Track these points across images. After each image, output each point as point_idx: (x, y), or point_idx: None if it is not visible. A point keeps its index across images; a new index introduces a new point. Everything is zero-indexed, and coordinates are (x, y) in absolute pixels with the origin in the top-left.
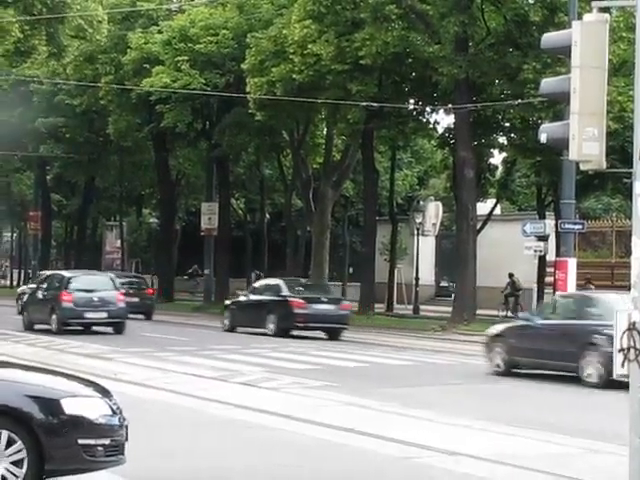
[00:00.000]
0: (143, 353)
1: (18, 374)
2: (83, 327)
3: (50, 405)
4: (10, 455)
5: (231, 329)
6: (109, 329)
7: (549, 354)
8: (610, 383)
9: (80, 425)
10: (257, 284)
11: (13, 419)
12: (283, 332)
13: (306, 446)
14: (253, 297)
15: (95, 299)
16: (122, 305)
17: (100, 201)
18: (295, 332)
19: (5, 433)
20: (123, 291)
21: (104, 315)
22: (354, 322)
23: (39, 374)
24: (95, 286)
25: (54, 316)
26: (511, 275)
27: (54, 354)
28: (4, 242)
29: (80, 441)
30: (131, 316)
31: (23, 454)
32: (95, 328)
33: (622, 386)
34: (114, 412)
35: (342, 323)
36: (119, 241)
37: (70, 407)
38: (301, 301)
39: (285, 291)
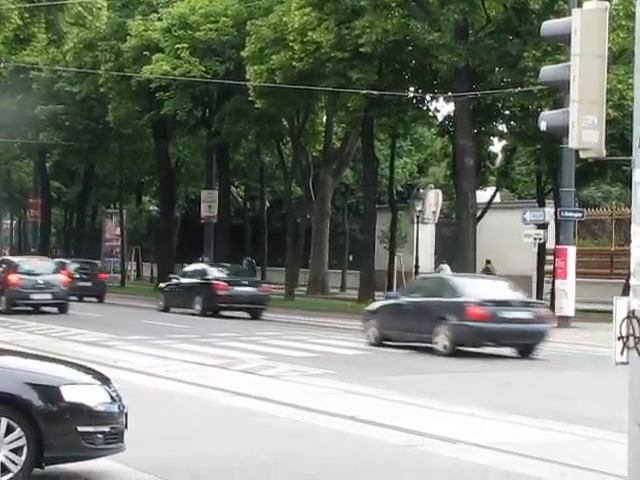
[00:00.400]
0: (143, 341)
1: (17, 361)
2: (31, 307)
3: (49, 392)
4: (9, 442)
5: (165, 309)
6: (54, 309)
7: (410, 328)
8: (456, 352)
9: (79, 412)
10: (187, 268)
11: (12, 406)
12: (209, 312)
13: (308, 434)
14: (184, 280)
15: (40, 282)
16: (64, 287)
17: (100, 189)
18: (226, 312)
19: (4, 420)
20: (68, 274)
21: (49, 296)
22: (354, 310)
23: (38, 361)
24: (41, 270)
25: (3, 297)
26: (488, 262)
27: (53, 341)
28: (4, 230)
29: (79, 428)
30: (85, 299)
31: (22, 441)
32: (44, 309)
33: (466, 355)
34: (113, 399)
35: (261, 304)
36: (119, 229)
37: (69, 394)
38: (223, 283)
39: (210, 275)
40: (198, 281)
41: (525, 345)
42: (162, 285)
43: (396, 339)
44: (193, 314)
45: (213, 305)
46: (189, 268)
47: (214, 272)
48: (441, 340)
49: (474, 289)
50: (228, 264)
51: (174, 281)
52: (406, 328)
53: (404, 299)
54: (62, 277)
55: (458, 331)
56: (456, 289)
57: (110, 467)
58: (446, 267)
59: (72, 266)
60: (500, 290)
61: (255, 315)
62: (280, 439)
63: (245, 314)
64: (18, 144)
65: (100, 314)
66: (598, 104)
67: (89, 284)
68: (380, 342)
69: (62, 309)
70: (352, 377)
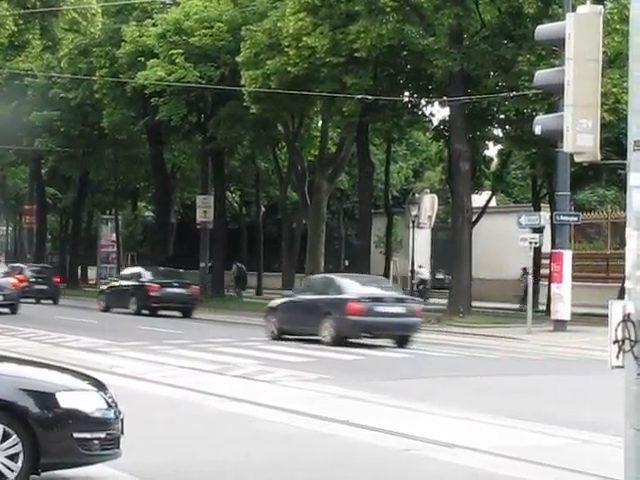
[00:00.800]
0: (139, 346)
1: (13, 368)
2: None
3: (45, 399)
4: (6, 449)
5: (106, 309)
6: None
7: (302, 322)
8: (339, 342)
9: (76, 419)
10: (125, 271)
11: (8, 413)
12: (143, 311)
13: (302, 438)
14: (122, 282)
15: None
16: (15, 290)
17: (95, 194)
18: (162, 312)
19: (0, 427)
20: (20, 278)
21: (0, 298)
22: None
23: (34, 368)
24: None
25: None
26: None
27: (49, 348)
28: None
29: (76, 435)
30: (42, 301)
31: (19, 448)
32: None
33: (348, 344)
34: (110, 405)
35: (190, 303)
36: (114, 235)
37: (65, 401)
38: (156, 285)
39: (144, 277)
40: (134, 283)
41: (399, 336)
42: (103, 287)
43: (292, 333)
44: (129, 313)
45: (146, 305)
46: (126, 271)
47: (148, 275)
48: (326, 332)
49: (355, 287)
50: (162, 267)
51: (114, 283)
52: (299, 322)
53: (298, 297)
54: (12, 280)
55: (340, 324)
56: (340, 287)
57: (106, 473)
58: (423, 271)
59: (28, 270)
60: (378, 288)
61: (186, 314)
62: (275, 443)
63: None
64: (13, 150)
65: (95, 320)
66: (593, 108)
67: (45, 287)
68: (279, 336)
69: (13, 310)
70: (347, 382)
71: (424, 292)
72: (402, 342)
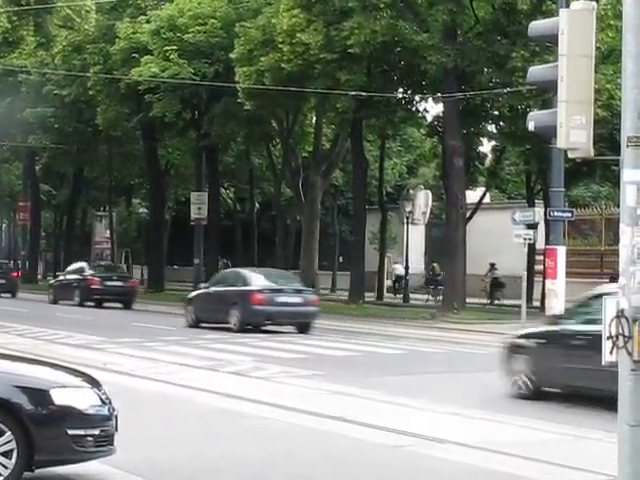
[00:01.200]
0: (133, 343)
1: (6, 365)
2: None
3: (39, 396)
4: None
5: (54, 302)
6: None
7: (215, 311)
8: (244, 328)
9: (70, 416)
10: (70, 267)
11: (2, 410)
12: (86, 302)
13: (297, 435)
14: (68, 277)
15: None
16: None
17: (89, 191)
18: (107, 304)
19: None
20: None
21: None
22: (344, 311)
23: (28, 364)
24: None
25: None
26: (433, 261)
27: (43, 344)
28: None
29: (70, 432)
30: (2, 294)
31: (12, 445)
32: None
33: (254, 331)
34: (104, 402)
35: (129, 295)
36: (108, 231)
37: (59, 398)
38: (97, 279)
39: (86, 272)
40: (77, 277)
41: (299, 323)
42: (52, 281)
43: (207, 321)
44: (74, 305)
45: (89, 297)
46: (71, 267)
47: (90, 270)
48: (234, 320)
49: (259, 279)
50: (103, 262)
51: (61, 278)
52: (212, 311)
53: (212, 288)
54: None
55: (245, 313)
56: (246, 279)
57: (100, 470)
58: (398, 267)
59: None
60: (280, 280)
61: (126, 305)
62: (270, 440)
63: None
64: (7, 147)
65: (90, 317)
66: (586, 104)
67: (3, 282)
68: (197, 324)
69: None
70: (341, 378)
71: (398, 288)
72: (302, 329)
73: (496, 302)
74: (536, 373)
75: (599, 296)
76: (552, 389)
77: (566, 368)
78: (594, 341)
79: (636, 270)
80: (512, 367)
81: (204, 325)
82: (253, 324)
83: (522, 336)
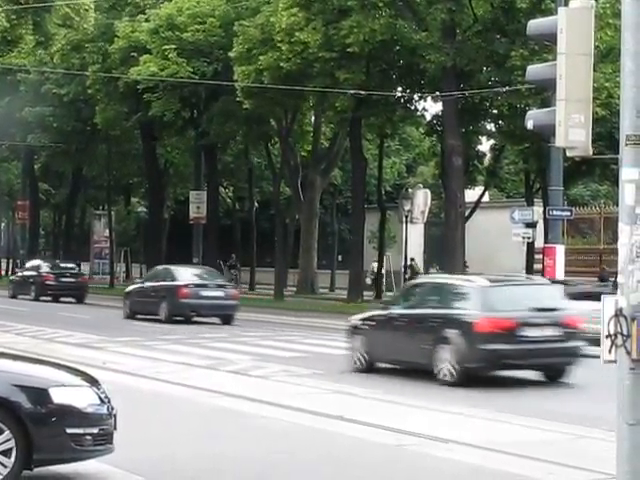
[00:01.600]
0: (132, 342)
1: (6, 363)
2: None
3: (38, 394)
4: None
5: (13, 297)
6: None
7: (148, 304)
8: (172, 319)
9: (69, 414)
10: (28, 264)
11: (1, 409)
12: (41, 297)
13: (297, 434)
14: (25, 273)
15: None
16: None
17: (88, 190)
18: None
19: None
20: None
21: None
22: (343, 310)
23: (27, 363)
24: None
25: None
26: (412, 259)
27: (42, 343)
28: None
29: (69, 430)
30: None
31: (11, 444)
32: None
33: (183, 322)
34: (102, 401)
35: (81, 290)
36: (107, 230)
37: (58, 396)
38: (51, 276)
39: (42, 269)
40: (33, 274)
41: (222, 315)
42: (12, 277)
43: (141, 313)
44: (30, 299)
45: (43, 292)
46: (28, 264)
47: (45, 267)
48: (163, 313)
49: (186, 275)
50: (58, 260)
51: (19, 274)
52: (145, 304)
53: (147, 284)
54: None
55: (173, 306)
56: (174, 275)
57: (99, 469)
58: (375, 265)
59: None
60: (204, 276)
61: (78, 299)
62: (270, 439)
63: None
64: (6, 146)
65: (88, 316)
66: (585, 102)
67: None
68: (132, 316)
69: None
70: (340, 377)
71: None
72: (226, 321)
73: None
74: (368, 351)
75: (418, 285)
76: (382, 364)
77: (391, 346)
78: (411, 323)
79: (635, 269)
80: (352, 345)
81: (139, 316)
82: (181, 316)
83: (360, 319)
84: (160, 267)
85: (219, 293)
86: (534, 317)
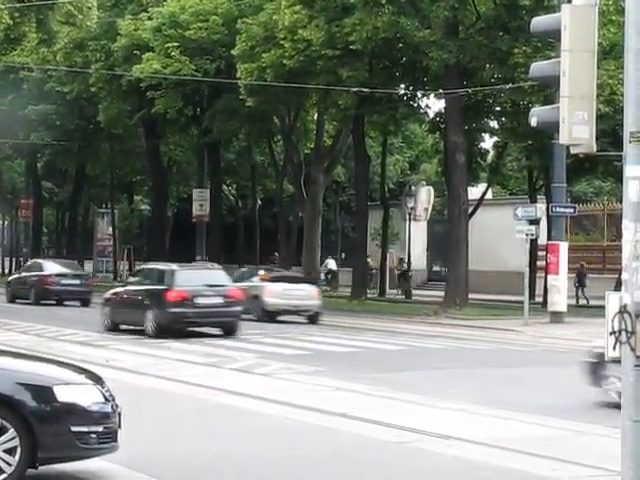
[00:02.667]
0: (135, 340)
1: (10, 362)
2: None
3: (42, 393)
4: (3, 443)
5: (12, 301)
6: None
7: (22, 290)
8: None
9: (73, 412)
10: (28, 264)
11: (5, 407)
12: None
13: (300, 431)
14: (24, 274)
15: None
16: None
17: (91, 188)
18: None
19: None
20: None
21: None
22: (346, 307)
23: (31, 362)
24: None
25: None
26: (368, 256)
27: (46, 341)
28: None
29: (73, 428)
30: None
31: (16, 442)
32: None
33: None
34: (107, 399)
35: (87, 294)
36: (110, 228)
37: (63, 394)
38: (53, 279)
39: (43, 270)
40: (33, 276)
41: (80, 300)
42: (9, 279)
43: (20, 298)
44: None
45: (45, 297)
46: (28, 264)
47: (47, 267)
48: (32, 297)
49: (51, 267)
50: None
51: (16, 276)
52: (20, 290)
53: (23, 274)
54: None
55: (38, 292)
56: (41, 267)
57: (104, 467)
58: (331, 262)
59: None
60: (65, 267)
61: (83, 303)
62: (273, 437)
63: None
64: (9, 144)
65: (87, 314)
66: (588, 100)
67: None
68: (13, 300)
69: None
70: (343, 374)
71: (331, 281)
72: (84, 304)
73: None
74: (112, 316)
75: (143, 269)
76: (122, 325)
77: (123, 312)
78: (134, 295)
79: (639, 266)
80: (103, 312)
81: (18, 300)
82: (46, 299)
83: (109, 293)
84: (32, 260)
85: (75, 281)
86: (205, 290)
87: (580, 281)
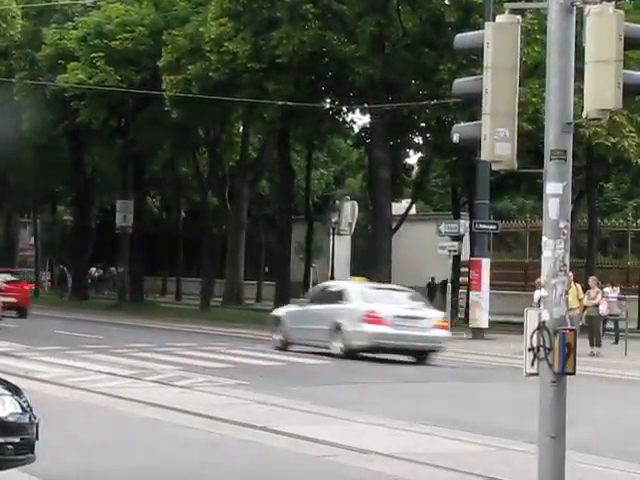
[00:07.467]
0: (56, 351)
1: None
2: None
3: None
4: None
5: None
6: None
7: None
8: None
9: None
10: None
11: None
12: None
13: (221, 444)
14: None
15: None
16: None
17: (14, 198)
18: None
19: None
20: None
21: None
22: (264, 322)
23: None
24: None
25: None
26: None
27: None
28: None
29: None
30: None
31: None
32: None
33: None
34: (24, 410)
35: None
36: (33, 238)
37: None
38: None
39: None
40: None
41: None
42: None
43: None
44: None
45: None
46: None
47: None
48: None
49: None
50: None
51: None
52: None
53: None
54: None
55: None
56: None
57: (21, 478)
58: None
59: None
60: None
61: (21, 314)
62: (194, 450)
63: None
64: None
65: (14, 324)
66: (510, 117)
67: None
68: None
69: None
70: (265, 388)
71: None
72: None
73: None
74: None
75: None
76: None
77: None
78: None
79: (558, 282)
80: None
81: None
82: None
83: None
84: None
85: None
86: None
87: (430, 293)
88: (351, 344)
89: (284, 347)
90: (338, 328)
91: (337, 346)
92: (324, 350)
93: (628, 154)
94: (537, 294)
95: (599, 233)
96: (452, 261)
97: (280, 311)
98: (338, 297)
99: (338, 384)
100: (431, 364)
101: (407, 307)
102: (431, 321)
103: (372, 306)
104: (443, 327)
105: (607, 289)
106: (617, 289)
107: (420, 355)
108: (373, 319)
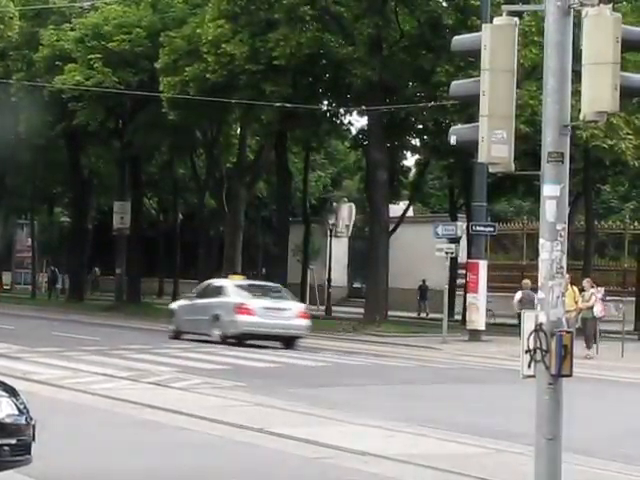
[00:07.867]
0: (54, 352)
1: None
2: None
3: None
4: None
5: None
6: None
7: None
8: None
9: None
10: None
11: None
12: None
13: (217, 446)
14: None
15: None
16: None
17: (11, 199)
18: None
19: None
20: None
21: None
22: None
23: None
24: None
25: None
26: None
27: None
28: None
29: None
30: None
31: None
32: None
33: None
34: (21, 411)
35: None
36: (30, 240)
37: None
38: None
39: None
40: None
41: None
42: None
43: None
44: None
45: None
46: None
47: None
48: None
49: None
50: None
51: None
52: None
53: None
54: None
55: None
56: None
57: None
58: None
59: None
60: None
61: None
62: (190, 451)
63: None
64: None
65: (11, 326)
66: (507, 119)
67: None
68: None
69: None
70: (262, 389)
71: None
72: None
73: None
74: None
75: None
76: None
77: None
78: None
79: (555, 285)
80: None
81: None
82: None
83: None
84: None
85: None
86: None
87: (422, 295)
88: (227, 332)
89: (177, 336)
90: (217, 318)
91: (216, 334)
92: (206, 337)
93: (625, 156)
94: (518, 295)
95: (596, 235)
96: (449, 263)
97: (174, 305)
98: (218, 292)
99: (335, 386)
100: (430, 366)
101: (274, 300)
102: (294, 311)
103: (244, 299)
104: (305, 317)
105: (592, 290)
106: (602, 289)
107: (287, 341)
108: (244, 310)
